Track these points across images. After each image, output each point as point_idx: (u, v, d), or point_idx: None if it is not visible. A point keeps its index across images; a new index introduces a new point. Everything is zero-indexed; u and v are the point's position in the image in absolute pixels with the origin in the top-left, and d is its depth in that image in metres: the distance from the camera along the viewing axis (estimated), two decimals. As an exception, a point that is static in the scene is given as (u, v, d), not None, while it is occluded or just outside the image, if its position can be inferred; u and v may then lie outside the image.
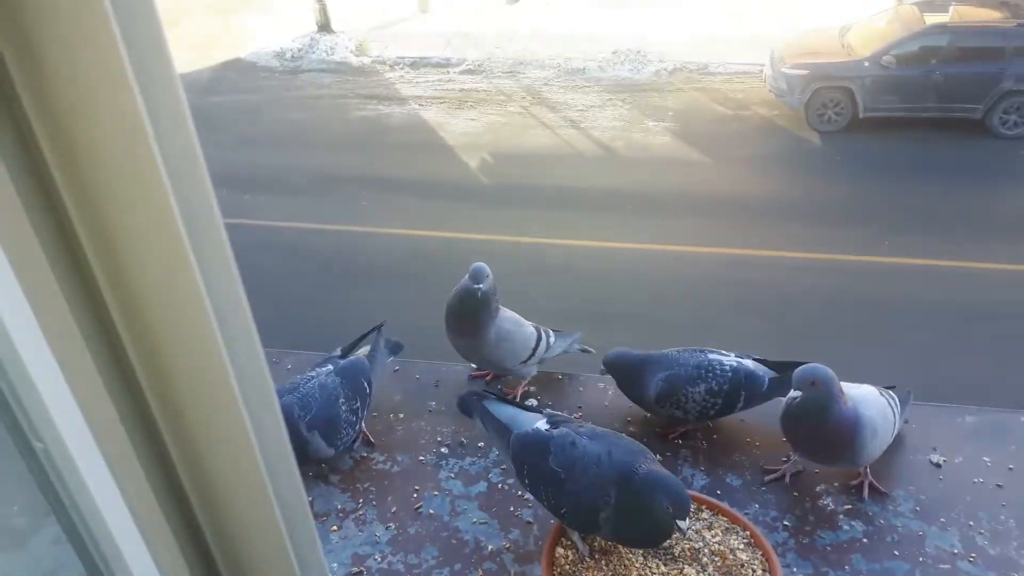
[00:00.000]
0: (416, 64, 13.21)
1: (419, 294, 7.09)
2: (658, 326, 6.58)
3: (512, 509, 2.26)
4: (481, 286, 2.51)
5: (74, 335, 0.58)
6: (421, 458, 2.46)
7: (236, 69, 13.24)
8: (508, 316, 2.67)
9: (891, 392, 2.35)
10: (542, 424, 2.05)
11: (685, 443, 2.51)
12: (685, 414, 2.42)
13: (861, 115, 10.41)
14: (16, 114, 0.52)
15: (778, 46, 11.16)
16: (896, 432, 2.31)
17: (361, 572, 2.08)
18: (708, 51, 12.92)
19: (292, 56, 13.51)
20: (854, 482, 2.29)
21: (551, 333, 2.78)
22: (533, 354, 2.68)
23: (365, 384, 2.48)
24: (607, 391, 2.72)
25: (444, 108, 11.79)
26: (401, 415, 2.66)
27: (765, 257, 7.89)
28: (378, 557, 2.13)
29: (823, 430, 2.15)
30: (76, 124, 0.52)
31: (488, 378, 2.84)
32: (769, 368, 2.50)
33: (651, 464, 1.90)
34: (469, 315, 2.58)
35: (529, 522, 2.22)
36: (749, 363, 2.47)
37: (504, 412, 2.14)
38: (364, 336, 2.71)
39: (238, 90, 12.51)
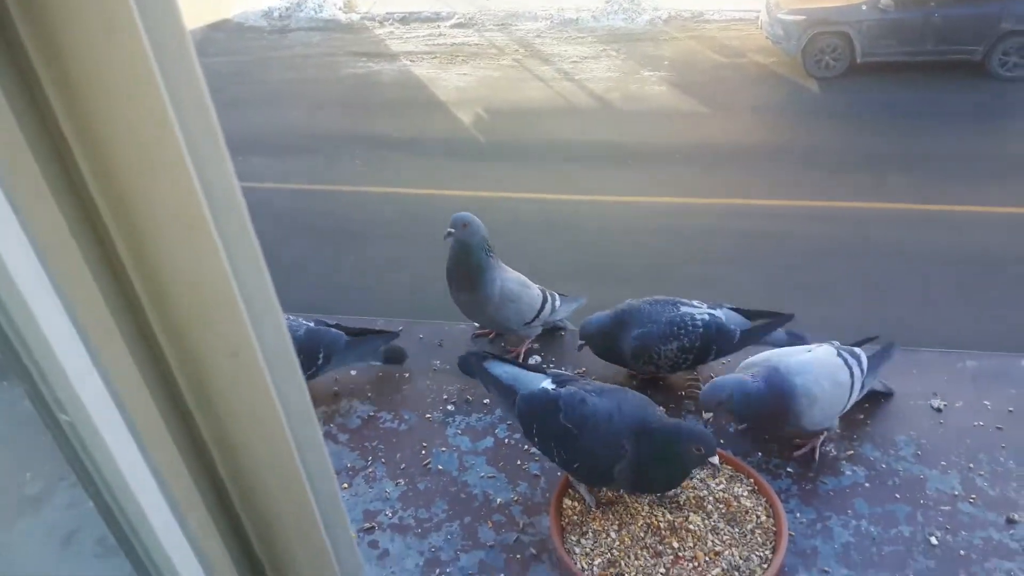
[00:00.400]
0: (406, 19, 13.04)
1: (416, 253, 7.11)
2: (659, 280, 6.59)
3: (519, 463, 2.31)
4: (454, 231, 2.52)
5: (100, 307, 0.59)
6: (428, 416, 2.50)
7: (224, 30, 13.06)
8: (513, 277, 2.68)
9: (856, 349, 2.33)
10: (547, 384, 2.08)
11: (688, 393, 2.55)
12: (658, 369, 2.50)
13: (859, 60, 10.32)
14: (27, 75, 0.52)
15: (774, -9, 11.01)
16: (864, 389, 2.30)
17: (373, 528, 2.13)
18: (703, -2, 12.75)
19: (280, 16, 13.33)
20: (798, 452, 2.29)
21: (556, 296, 2.80)
22: (537, 316, 2.70)
23: (319, 354, 2.47)
24: (610, 345, 2.74)
25: (436, 63, 11.66)
26: (407, 374, 2.69)
27: (764, 206, 7.88)
28: (389, 512, 2.17)
29: (758, 413, 2.17)
30: (91, 93, 0.52)
31: (491, 336, 2.87)
32: (745, 317, 2.56)
33: (662, 416, 1.96)
34: (463, 266, 2.58)
35: (536, 475, 2.27)
36: (721, 314, 2.51)
37: (507, 372, 2.17)
38: (376, 332, 2.67)
39: (226, 52, 12.35)
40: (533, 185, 8.48)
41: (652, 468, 1.90)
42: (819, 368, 2.19)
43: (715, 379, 2.19)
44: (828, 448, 2.30)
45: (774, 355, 2.22)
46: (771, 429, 2.30)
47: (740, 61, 11.22)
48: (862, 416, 2.39)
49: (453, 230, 2.52)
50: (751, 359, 2.27)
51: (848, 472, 2.21)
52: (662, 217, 7.86)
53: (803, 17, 10.36)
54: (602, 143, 9.33)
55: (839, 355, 2.25)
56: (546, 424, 2.00)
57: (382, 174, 8.87)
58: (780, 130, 9.67)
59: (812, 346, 2.31)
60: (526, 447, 2.35)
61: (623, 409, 1.94)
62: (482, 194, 8.39)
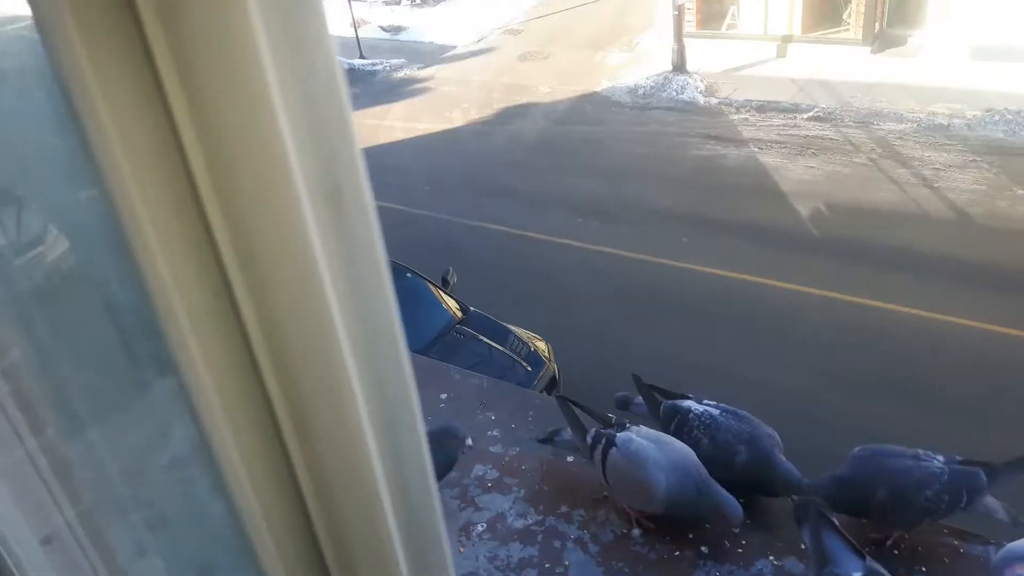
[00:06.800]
0: (763, 108, 12.59)
1: (721, 336, 6.73)
2: (996, 425, 5.41)
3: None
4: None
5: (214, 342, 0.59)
6: (677, 553, 2.24)
7: (591, 102, 13.69)
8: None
9: None
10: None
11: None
12: (909, 523, 2.22)
13: None
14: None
15: None
16: None
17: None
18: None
19: (643, 93, 13.62)
20: None
21: None
22: None
23: None
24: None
25: (784, 153, 11.09)
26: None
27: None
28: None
29: None
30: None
31: None
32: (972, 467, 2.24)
33: None
34: None
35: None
36: (955, 465, 2.22)
37: (831, 542, 1.94)
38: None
39: (589, 122, 12.93)
40: (858, 289, 7.66)
41: None
42: None
43: None
44: None
45: None
46: None
47: None
48: None
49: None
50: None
51: None
52: (1007, 351, 6.61)
53: None
54: (950, 258, 8.14)
55: None
56: None
57: (704, 254, 8.61)
58: None
59: None
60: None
61: None
62: (800, 288, 7.75)
